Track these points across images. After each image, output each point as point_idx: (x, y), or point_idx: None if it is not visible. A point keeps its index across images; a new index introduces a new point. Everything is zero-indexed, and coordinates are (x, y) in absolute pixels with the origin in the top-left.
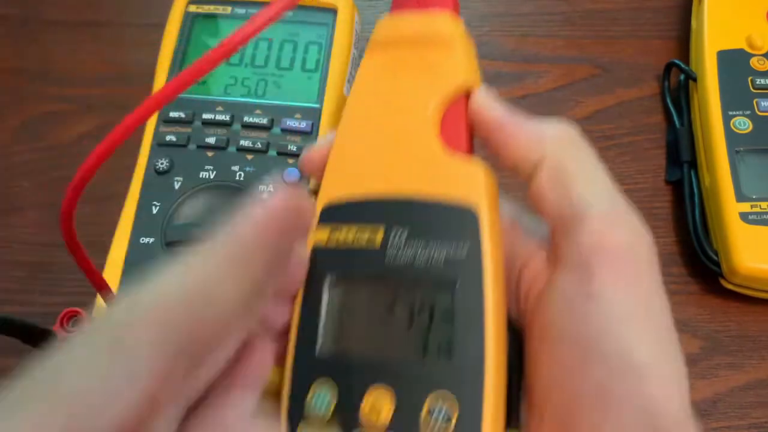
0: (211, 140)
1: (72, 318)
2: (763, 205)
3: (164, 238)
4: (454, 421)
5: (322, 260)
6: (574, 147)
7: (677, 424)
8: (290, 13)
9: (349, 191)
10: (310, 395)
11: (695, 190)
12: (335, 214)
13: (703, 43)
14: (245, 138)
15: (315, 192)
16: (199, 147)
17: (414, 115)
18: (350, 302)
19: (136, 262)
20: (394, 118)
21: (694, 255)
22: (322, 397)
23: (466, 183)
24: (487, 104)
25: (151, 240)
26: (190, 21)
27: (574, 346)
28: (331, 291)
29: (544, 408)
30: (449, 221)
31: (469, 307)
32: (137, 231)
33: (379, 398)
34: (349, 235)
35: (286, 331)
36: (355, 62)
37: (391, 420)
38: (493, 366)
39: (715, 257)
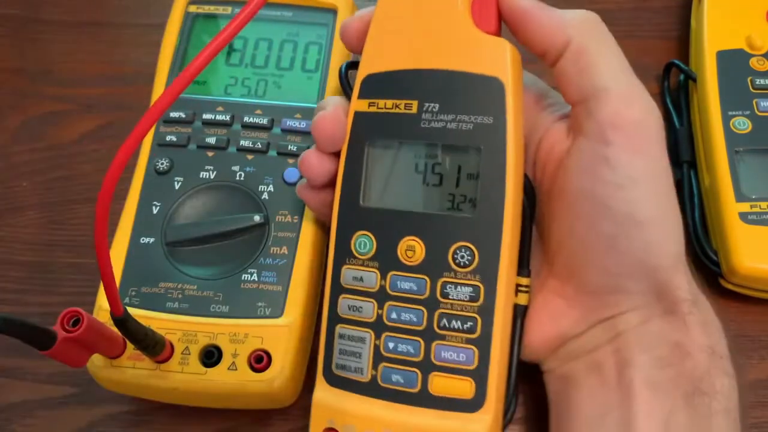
0: (212, 140)
1: (72, 318)
2: (763, 205)
3: (164, 238)
4: (474, 263)
5: (362, 124)
6: (596, 32)
7: (673, 266)
8: (290, 13)
9: (387, 66)
10: (353, 240)
11: (695, 190)
12: (374, 86)
13: (702, 44)
14: (245, 138)
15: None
16: (199, 147)
17: None
18: (387, 162)
19: (136, 262)
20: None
21: (693, 255)
22: (364, 242)
23: (495, 57)
24: None
25: (152, 240)
26: (190, 21)
27: (589, 202)
28: (370, 151)
29: (557, 256)
30: (478, 90)
31: (493, 168)
32: (137, 231)
33: (412, 245)
34: (387, 104)
35: (329, 183)
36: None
37: (422, 260)
38: (510, 221)
39: (714, 257)
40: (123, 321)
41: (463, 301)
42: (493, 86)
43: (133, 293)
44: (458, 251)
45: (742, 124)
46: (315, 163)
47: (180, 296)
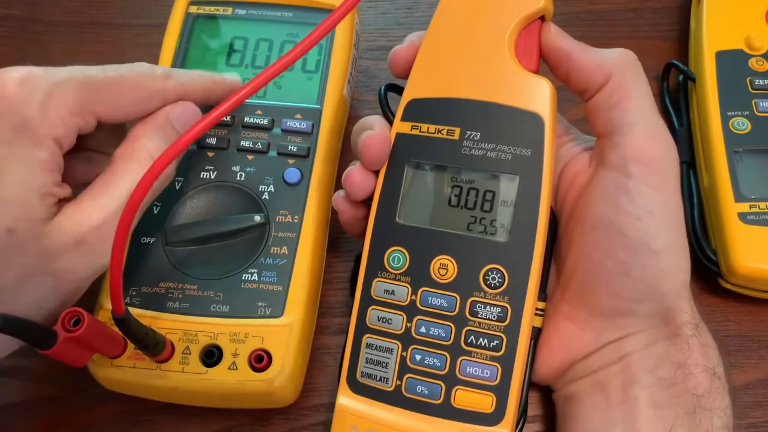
0: (212, 140)
1: (73, 318)
2: (762, 205)
3: (165, 238)
4: (504, 286)
5: (404, 145)
6: (633, 70)
7: (679, 292)
8: (290, 14)
9: (431, 93)
10: (386, 255)
11: (694, 191)
12: (418, 110)
13: (701, 44)
14: (246, 138)
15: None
16: (199, 147)
17: (494, 32)
18: (426, 183)
19: (137, 262)
20: (476, 33)
21: (692, 255)
22: (398, 257)
23: (537, 95)
24: (559, 35)
25: (152, 240)
26: (191, 22)
27: (607, 229)
28: (410, 171)
29: (571, 279)
30: (520, 124)
31: (528, 198)
32: (138, 231)
33: (445, 263)
34: (429, 129)
35: (367, 199)
36: (356, 62)
37: (454, 279)
38: (540, 248)
39: (713, 257)
40: (124, 320)
41: (491, 320)
42: (534, 121)
43: (134, 293)
44: (489, 273)
45: (741, 125)
46: (359, 179)
47: (180, 296)
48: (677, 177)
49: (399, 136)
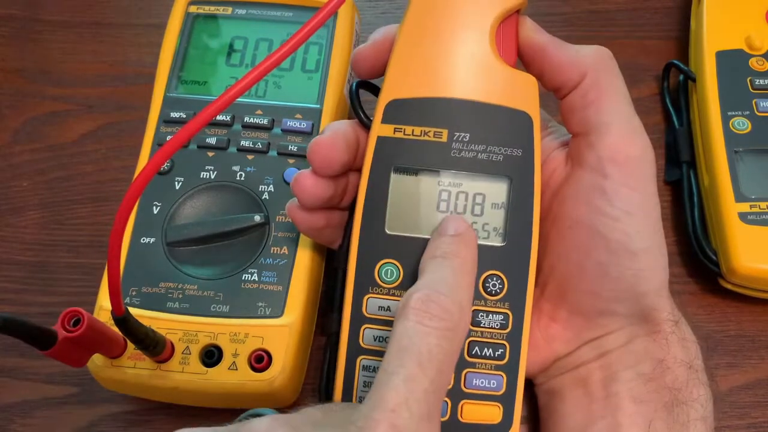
0: (212, 140)
1: (73, 318)
2: (762, 205)
3: (165, 238)
4: (504, 291)
5: (388, 149)
6: (609, 68)
7: (657, 294)
8: (290, 14)
9: (413, 92)
10: (377, 269)
11: (694, 190)
12: (400, 112)
13: (702, 44)
14: (246, 138)
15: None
16: (199, 147)
17: (475, 27)
18: (416, 189)
19: (137, 262)
20: (456, 29)
21: (693, 255)
22: (390, 270)
23: (524, 92)
24: (535, 29)
25: (152, 240)
26: (190, 21)
27: (585, 231)
28: (397, 177)
29: (549, 279)
30: (509, 123)
31: (522, 199)
32: (138, 231)
33: None
34: (415, 131)
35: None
36: None
37: None
38: (535, 250)
39: (714, 257)
40: (124, 321)
41: (494, 329)
42: (523, 120)
43: (134, 293)
44: (488, 279)
45: (742, 125)
46: (309, 185)
47: (180, 296)
48: (654, 176)
49: (380, 139)
